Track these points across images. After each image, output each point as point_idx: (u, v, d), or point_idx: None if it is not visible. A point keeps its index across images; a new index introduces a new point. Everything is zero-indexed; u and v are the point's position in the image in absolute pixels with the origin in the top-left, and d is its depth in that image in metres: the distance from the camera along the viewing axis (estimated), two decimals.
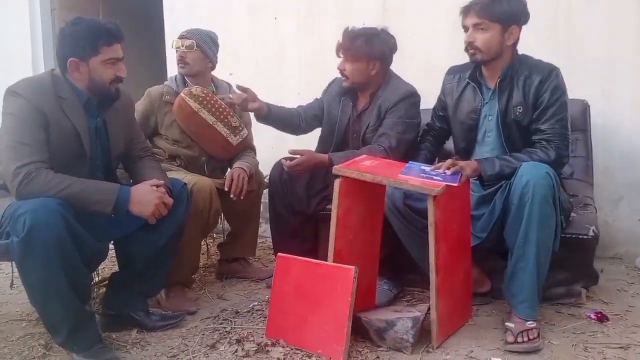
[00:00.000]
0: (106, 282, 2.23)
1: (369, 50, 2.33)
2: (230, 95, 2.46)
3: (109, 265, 2.68)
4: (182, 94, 2.48)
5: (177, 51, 2.57)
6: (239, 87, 2.42)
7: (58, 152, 1.85)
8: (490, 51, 2.06)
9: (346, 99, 2.51)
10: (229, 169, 2.57)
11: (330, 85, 2.63)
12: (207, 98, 2.50)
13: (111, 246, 2.12)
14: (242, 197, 2.44)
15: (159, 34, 3.99)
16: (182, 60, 2.55)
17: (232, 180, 2.43)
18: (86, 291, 1.93)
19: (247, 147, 2.68)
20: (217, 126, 2.52)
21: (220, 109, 2.53)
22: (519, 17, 2.04)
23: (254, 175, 2.57)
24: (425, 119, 2.48)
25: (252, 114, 2.55)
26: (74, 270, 1.76)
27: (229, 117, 2.55)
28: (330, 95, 2.58)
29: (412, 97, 2.41)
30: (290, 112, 2.59)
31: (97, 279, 2.39)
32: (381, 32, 2.39)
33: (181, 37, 2.57)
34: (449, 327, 1.97)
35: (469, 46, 2.08)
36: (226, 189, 2.42)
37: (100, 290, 2.32)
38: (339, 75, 2.49)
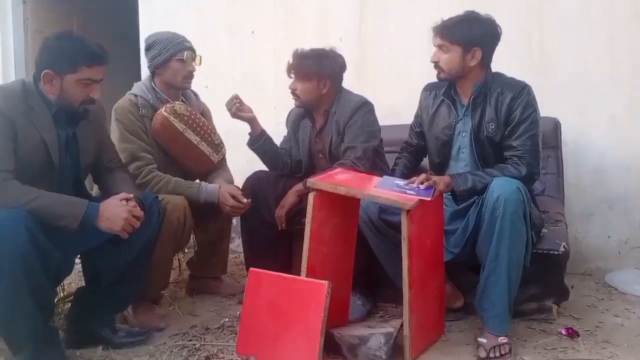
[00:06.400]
0: (71, 297, 2.16)
1: (319, 69, 2.40)
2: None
3: (75, 280, 2.61)
4: (165, 113, 2.32)
5: (189, 65, 2.39)
6: (234, 97, 2.44)
7: (25, 163, 1.81)
8: (452, 71, 2.11)
9: (305, 121, 2.58)
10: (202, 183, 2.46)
11: (289, 115, 2.69)
12: (192, 117, 2.39)
13: (77, 260, 2.06)
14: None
15: (134, 46, 3.95)
16: (191, 76, 2.44)
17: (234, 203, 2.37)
18: (50, 307, 1.88)
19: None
20: (202, 146, 2.42)
21: (205, 127, 2.44)
22: (480, 40, 2.07)
23: None
24: (403, 134, 2.50)
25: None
26: (38, 285, 1.70)
27: (212, 135, 2.48)
28: (291, 122, 2.66)
29: (365, 105, 2.45)
30: (279, 148, 2.63)
31: (61, 294, 2.32)
32: (330, 52, 2.46)
33: (191, 49, 2.41)
34: (422, 343, 1.95)
35: (434, 65, 2.14)
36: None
37: (65, 306, 2.25)
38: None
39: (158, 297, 2.41)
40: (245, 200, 2.37)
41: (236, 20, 3.61)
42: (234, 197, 2.36)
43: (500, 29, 2.10)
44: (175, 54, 2.38)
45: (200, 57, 2.47)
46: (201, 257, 2.66)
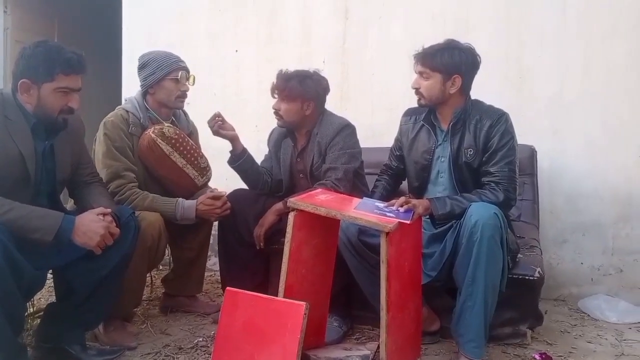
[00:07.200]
0: (41, 313, 2.10)
1: (303, 91, 2.42)
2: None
3: (45, 295, 2.54)
4: (152, 135, 2.29)
5: (183, 85, 2.40)
6: (217, 115, 2.45)
7: (0, 176, 1.76)
8: (432, 98, 2.15)
9: (286, 140, 2.59)
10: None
11: (271, 134, 2.70)
12: (180, 140, 2.36)
13: (49, 275, 2.00)
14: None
15: (116, 57, 3.93)
16: (184, 96, 2.44)
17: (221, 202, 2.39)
18: (20, 322, 1.82)
19: None
20: (187, 169, 2.38)
21: (192, 151, 2.41)
22: (461, 67, 2.11)
23: None
24: (383, 157, 2.53)
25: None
26: (9, 300, 1.65)
27: (199, 158, 2.44)
28: (272, 142, 2.66)
29: (347, 128, 2.48)
30: (259, 167, 2.63)
31: (31, 309, 2.25)
32: (313, 74, 2.49)
33: (185, 69, 2.41)
34: None
35: (415, 91, 2.19)
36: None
37: (34, 322, 2.18)
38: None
39: (130, 315, 2.36)
40: (222, 194, 2.40)
41: (219, 38, 3.63)
42: (214, 197, 2.36)
43: (480, 57, 2.16)
44: (169, 74, 2.37)
45: (194, 76, 2.46)
46: (177, 274, 2.62)
